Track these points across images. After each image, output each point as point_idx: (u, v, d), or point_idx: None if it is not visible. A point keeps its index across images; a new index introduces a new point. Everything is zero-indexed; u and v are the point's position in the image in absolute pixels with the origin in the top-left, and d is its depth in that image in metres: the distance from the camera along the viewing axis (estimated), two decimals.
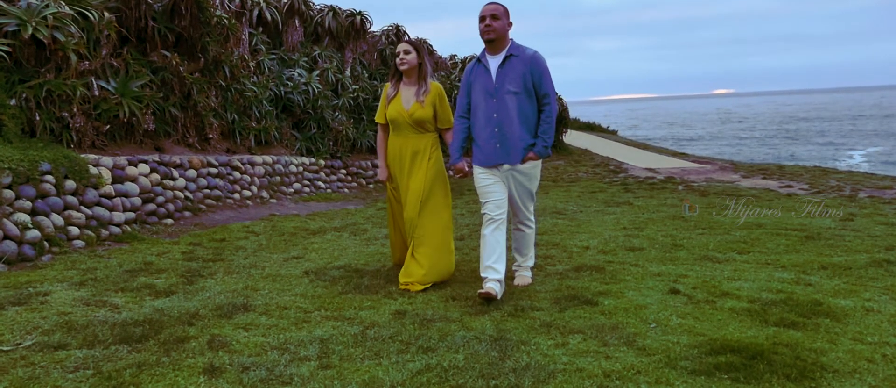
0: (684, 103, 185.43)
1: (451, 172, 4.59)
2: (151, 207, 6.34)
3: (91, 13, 6.15)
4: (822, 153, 28.99)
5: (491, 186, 4.01)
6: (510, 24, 3.94)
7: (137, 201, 6.18)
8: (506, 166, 3.97)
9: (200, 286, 4.26)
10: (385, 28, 13.17)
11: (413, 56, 4.24)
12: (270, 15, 9.91)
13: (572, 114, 21.29)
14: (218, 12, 7.64)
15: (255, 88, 8.85)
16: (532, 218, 4.24)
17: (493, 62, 3.93)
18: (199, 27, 7.36)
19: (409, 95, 4.27)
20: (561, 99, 16.40)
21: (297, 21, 10.32)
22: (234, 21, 7.93)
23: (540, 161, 4.08)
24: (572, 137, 17.87)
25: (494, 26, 3.85)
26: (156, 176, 6.55)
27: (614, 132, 25.43)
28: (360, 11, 11.63)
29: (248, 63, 8.79)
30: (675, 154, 17.17)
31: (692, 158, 15.66)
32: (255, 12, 9.78)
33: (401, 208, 4.41)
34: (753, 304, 3.75)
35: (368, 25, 11.75)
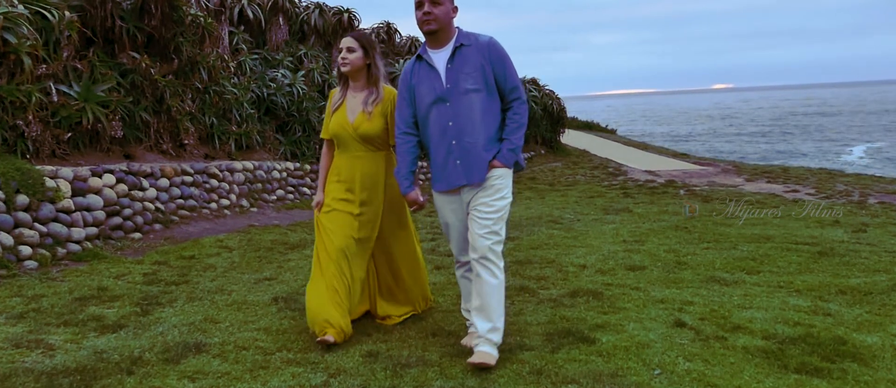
0: (683, 98, 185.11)
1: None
2: (117, 220, 5.91)
3: (51, 12, 5.72)
4: (823, 149, 28.75)
5: (453, 223, 3.23)
6: (455, 9, 3.11)
7: (101, 214, 5.75)
8: (467, 188, 3.10)
9: (155, 318, 3.85)
10: (375, 25, 12.75)
11: (358, 55, 3.37)
12: (253, 12, 9.47)
13: (571, 110, 20.85)
14: (193, 10, 7.20)
15: (235, 90, 8.41)
16: (499, 261, 3.05)
17: (439, 57, 3.10)
18: (172, 26, 6.92)
19: (356, 103, 3.41)
20: (558, 98, 15.93)
21: (281, 19, 9.88)
22: (210, 19, 7.49)
23: (509, 173, 3.12)
24: (570, 137, 17.45)
25: (435, 14, 3.01)
26: (123, 187, 6.12)
27: (613, 131, 24.98)
28: (347, 8, 11.18)
29: (228, 63, 8.35)
30: (675, 155, 16.77)
31: (693, 160, 15.26)
32: (237, 10, 9.33)
33: (334, 252, 3.37)
34: (769, 341, 3.35)
35: (357, 23, 11.31)
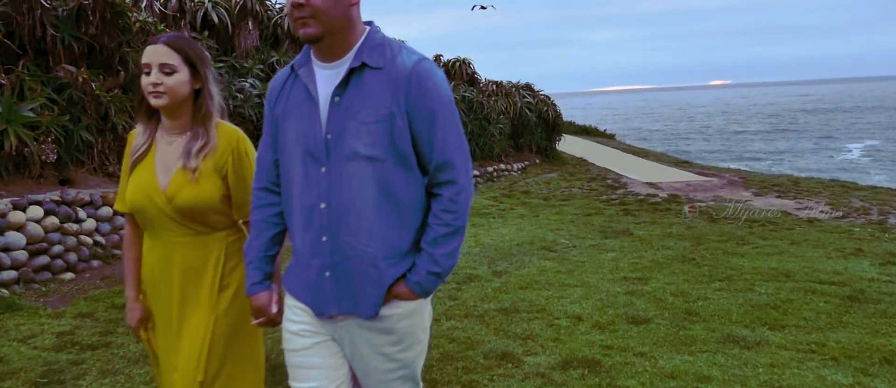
0: (681, 95, 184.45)
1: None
2: (43, 260, 5.15)
3: None
4: (822, 147, 28.71)
5: (309, 358, 1.75)
6: None
7: (22, 254, 4.99)
8: (342, 319, 1.72)
9: None
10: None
11: (181, 77, 1.93)
12: (218, 16, 8.70)
13: (569, 108, 20.09)
14: (142, 16, 6.43)
15: None
16: None
17: (325, 78, 1.67)
18: (117, 34, 6.15)
19: (171, 156, 1.99)
20: (553, 104, 15.11)
21: (250, 23, 9.11)
22: (162, 26, 6.73)
23: (424, 305, 1.74)
24: (567, 143, 16.65)
25: (315, 5, 1.55)
26: (53, 220, 5.35)
27: (612, 136, 24.22)
28: None
29: None
30: (676, 163, 16.04)
31: (696, 168, 14.53)
32: (200, 14, 8.56)
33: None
34: None
35: None
